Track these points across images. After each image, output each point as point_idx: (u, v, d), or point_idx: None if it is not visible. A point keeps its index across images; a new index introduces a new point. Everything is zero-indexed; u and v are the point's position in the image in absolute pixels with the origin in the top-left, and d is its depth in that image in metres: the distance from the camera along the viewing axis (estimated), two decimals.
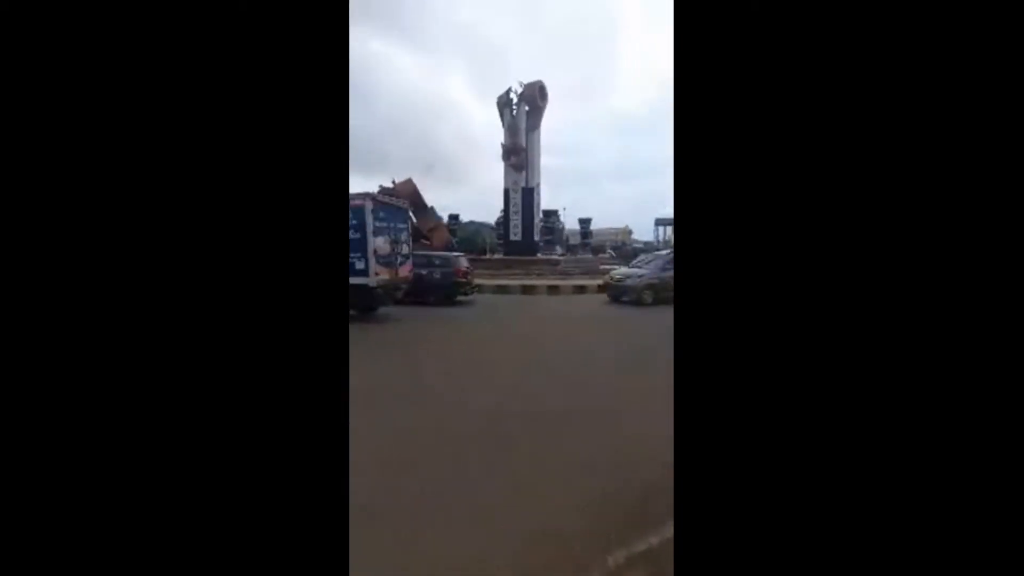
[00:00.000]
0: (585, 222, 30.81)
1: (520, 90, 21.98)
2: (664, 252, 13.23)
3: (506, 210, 22.68)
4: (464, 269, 10.89)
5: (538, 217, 23.18)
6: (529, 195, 22.17)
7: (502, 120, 22.19)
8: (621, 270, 12.26)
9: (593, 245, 31.62)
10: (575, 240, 31.08)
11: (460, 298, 10.74)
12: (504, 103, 22.15)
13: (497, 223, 26.25)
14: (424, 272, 10.15)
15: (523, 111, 21.93)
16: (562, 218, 33.50)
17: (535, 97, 21.98)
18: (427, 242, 20.37)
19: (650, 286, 10.23)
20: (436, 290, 10.26)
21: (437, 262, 10.78)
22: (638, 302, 10.12)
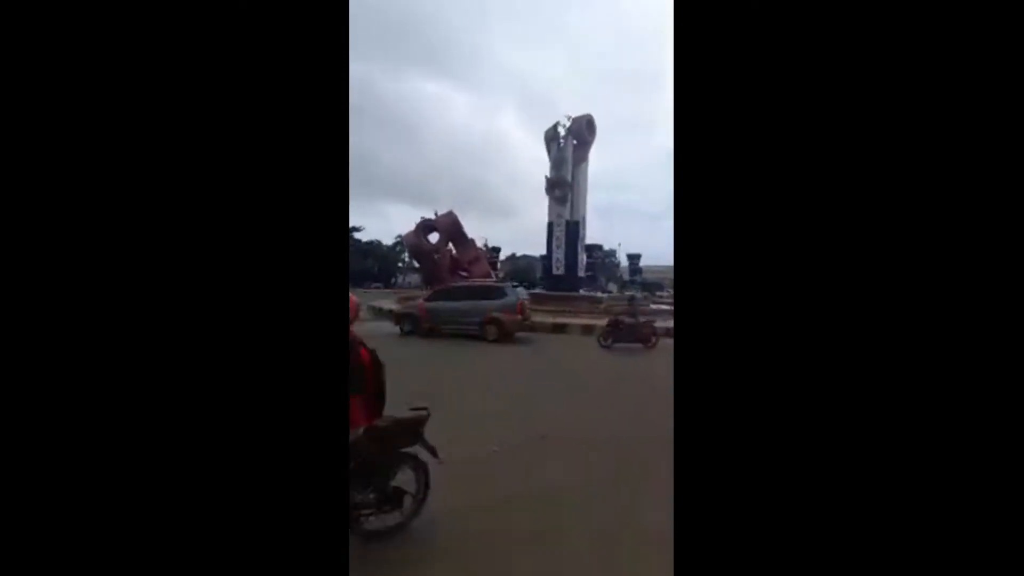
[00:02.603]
0: (634, 258, 29.40)
1: (568, 124, 21.71)
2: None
3: (549, 244, 22.05)
4: None
5: (582, 252, 22.32)
6: (574, 229, 21.45)
7: (548, 154, 21.93)
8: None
9: (650, 281, 30.06)
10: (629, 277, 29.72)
11: None
12: (551, 137, 21.92)
13: (542, 258, 25.70)
14: None
15: (570, 144, 21.54)
16: (617, 255, 32.40)
17: (583, 131, 21.57)
18: (465, 274, 20.21)
19: (406, 315, 11.02)
20: None
21: None
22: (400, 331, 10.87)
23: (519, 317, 10.15)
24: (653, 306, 18.38)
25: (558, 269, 21.56)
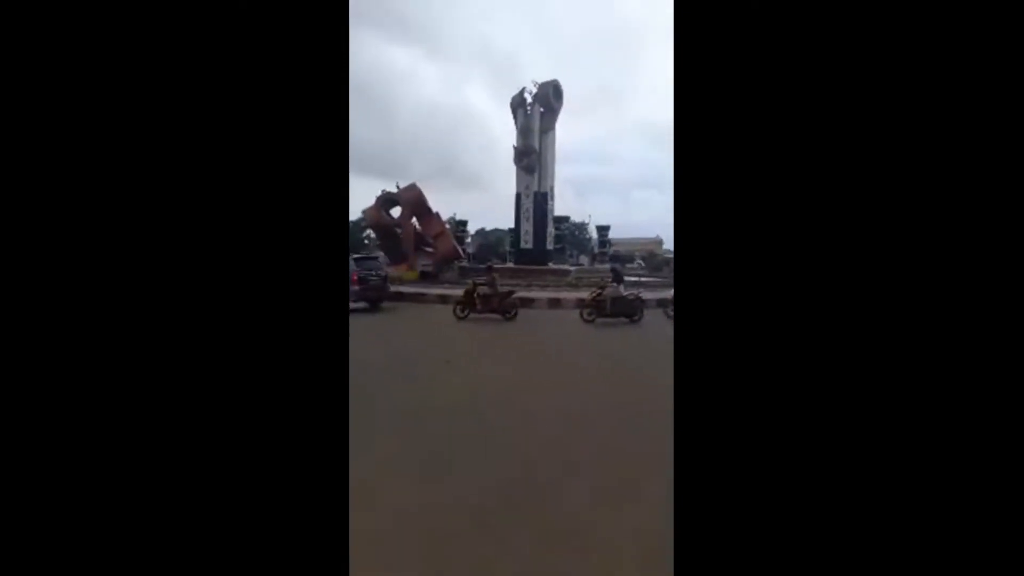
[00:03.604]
0: (603, 230, 29.09)
1: (534, 90, 20.82)
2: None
3: (517, 216, 21.44)
4: None
5: (551, 224, 21.79)
6: (542, 200, 20.86)
7: (515, 122, 21.07)
8: None
9: (621, 255, 29.90)
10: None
11: None
12: (517, 104, 21.03)
13: (511, 230, 25.05)
14: None
15: (537, 112, 20.72)
16: (589, 227, 32.08)
17: (549, 97, 20.74)
18: (430, 249, 19.46)
19: None
20: None
21: None
22: None
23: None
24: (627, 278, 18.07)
25: (527, 242, 21.04)
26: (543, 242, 20.95)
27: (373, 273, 11.02)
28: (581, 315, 9.39)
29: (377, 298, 10.93)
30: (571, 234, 32.15)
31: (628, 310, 9.23)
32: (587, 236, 36.53)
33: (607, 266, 23.25)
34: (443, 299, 12.09)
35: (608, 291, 9.37)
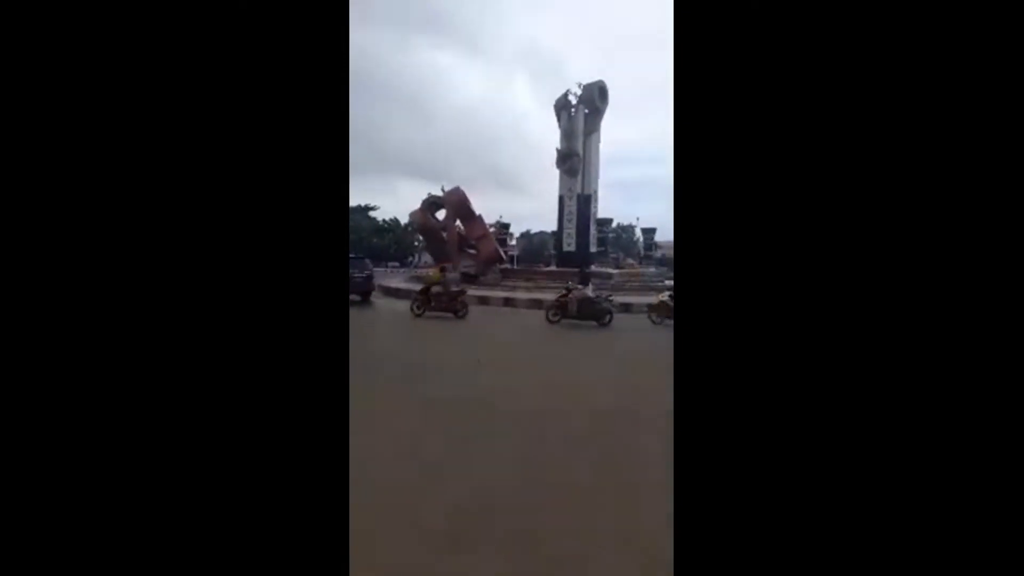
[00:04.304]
0: (649, 232, 28.41)
1: (579, 92, 20.69)
2: None
3: (560, 219, 21.36)
4: None
5: (593, 226, 21.56)
6: (585, 203, 20.68)
7: (559, 123, 21.03)
8: None
9: (669, 257, 29.09)
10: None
11: None
12: (562, 106, 20.96)
13: (554, 233, 25.02)
14: None
15: (581, 113, 20.57)
16: (636, 229, 31.43)
17: (594, 99, 20.53)
18: (473, 252, 19.82)
19: None
20: None
21: None
22: None
23: None
24: (667, 282, 17.59)
25: (569, 245, 20.91)
26: (586, 245, 20.74)
27: (357, 272, 12.66)
28: (546, 316, 9.55)
29: (366, 292, 13.20)
30: (617, 237, 31.63)
31: (595, 313, 9.17)
32: (634, 238, 35.80)
33: (653, 269, 22.68)
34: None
35: (575, 293, 9.41)
